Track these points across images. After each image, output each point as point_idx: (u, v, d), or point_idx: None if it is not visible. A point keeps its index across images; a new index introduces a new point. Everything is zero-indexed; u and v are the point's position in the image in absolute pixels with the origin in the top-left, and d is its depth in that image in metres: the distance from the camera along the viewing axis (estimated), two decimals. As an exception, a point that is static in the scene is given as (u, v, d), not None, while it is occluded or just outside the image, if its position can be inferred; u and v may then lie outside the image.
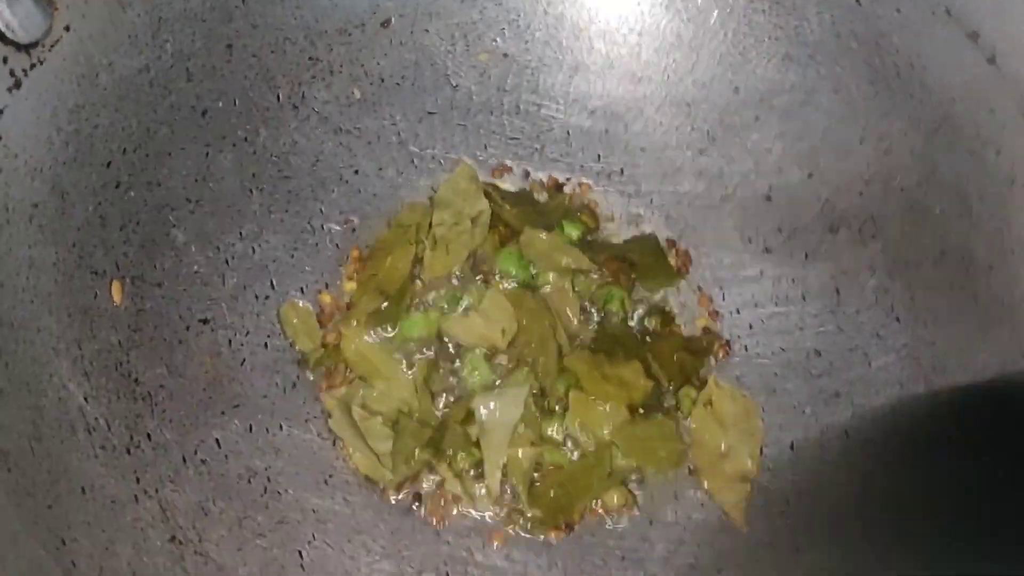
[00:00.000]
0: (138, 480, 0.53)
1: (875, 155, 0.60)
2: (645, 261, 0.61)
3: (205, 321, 0.58)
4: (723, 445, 0.57)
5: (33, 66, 0.52)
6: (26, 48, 0.51)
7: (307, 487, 0.56)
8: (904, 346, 0.57)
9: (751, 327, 0.62)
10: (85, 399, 0.52)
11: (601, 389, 0.57)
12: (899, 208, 0.59)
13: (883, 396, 0.57)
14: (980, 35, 0.55)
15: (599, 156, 0.66)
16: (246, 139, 0.61)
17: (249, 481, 0.55)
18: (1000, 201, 0.55)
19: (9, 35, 0.51)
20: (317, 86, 0.63)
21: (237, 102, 0.61)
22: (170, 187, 0.59)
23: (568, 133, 0.65)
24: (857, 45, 0.60)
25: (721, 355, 0.60)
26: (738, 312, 0.62)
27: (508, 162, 0.66)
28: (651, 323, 0.60)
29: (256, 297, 0.60)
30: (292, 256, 0.61)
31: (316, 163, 0.63)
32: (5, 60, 0.51)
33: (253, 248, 0.61)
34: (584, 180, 0.66)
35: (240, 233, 0.61)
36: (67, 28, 0.53)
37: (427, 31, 0.65)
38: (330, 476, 0.57)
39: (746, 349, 0.61)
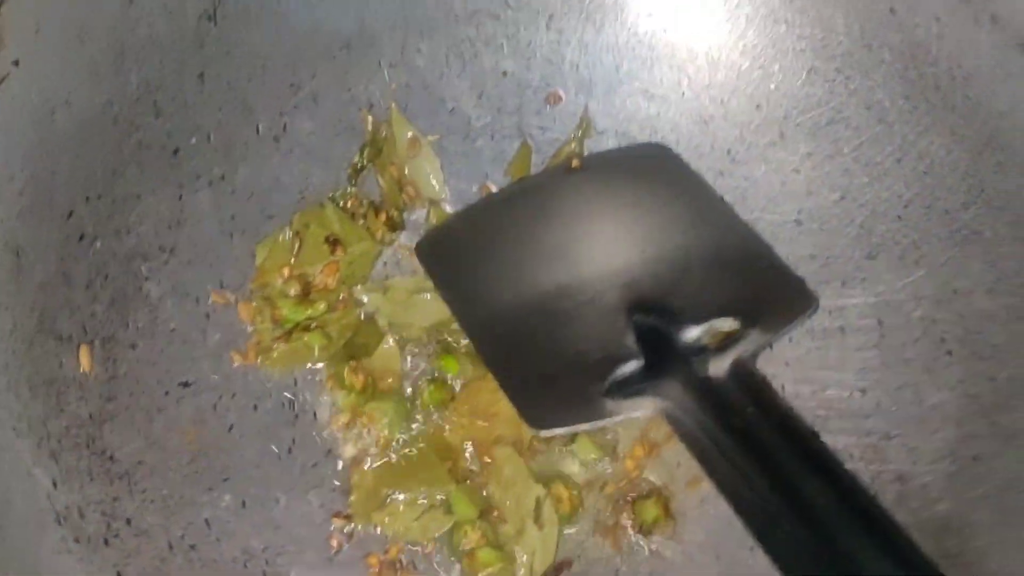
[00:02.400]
0: (119, 574, 0.46)
1: (914, 175, 0.55)
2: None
3: (186, 384, 0.52)
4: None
5: (-20, 108, 0.45)
6: (-29, 87, 0.45)
7: (312, 566, 0.50)
8: (960, 382, 0.53)
9: (787, 364, 0.56)
10: (54, 485, 0.46)
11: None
12: (944, 232, 0.55)
13: (940, 437, 0.52)
14: (1031, 43, 0.50)
15: (611, 181, 0.60)
16: (223, 177, 0.55)
17: (245, 565, 0.49)
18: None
19: (-50, 74, 0.44)
20: (300, 115, 0.57)
21: (212, 137, 0.55)
22: (141, 235, 0.52)
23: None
24: (891, 57, 0.55)
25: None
26: (771, 348, 0.56)
27: (511, 191, 0.60)
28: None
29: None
30: (280, 305, 0.55)
31: (301, 199, 0.57)
32: (-52, 102, 0.44)
33: (236, 298, 0.54)
34: (595, 208, 0.60)
35: (221, 282, 0.54)
36: (16, 63, 0.47)
37: (419, 51, 0.59)
38: (336, 552, 0.51)
39: (783, 389, 0.56)
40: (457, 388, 0.55)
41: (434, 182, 0.59)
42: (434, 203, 0.59)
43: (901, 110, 0.55)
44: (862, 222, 0.57)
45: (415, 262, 0.57)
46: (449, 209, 0.60)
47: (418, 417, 0.54)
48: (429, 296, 0.56)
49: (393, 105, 0.58)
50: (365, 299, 0.56)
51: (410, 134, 0.58)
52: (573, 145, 0.58)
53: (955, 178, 0.54)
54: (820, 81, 0.58)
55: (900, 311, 0.55)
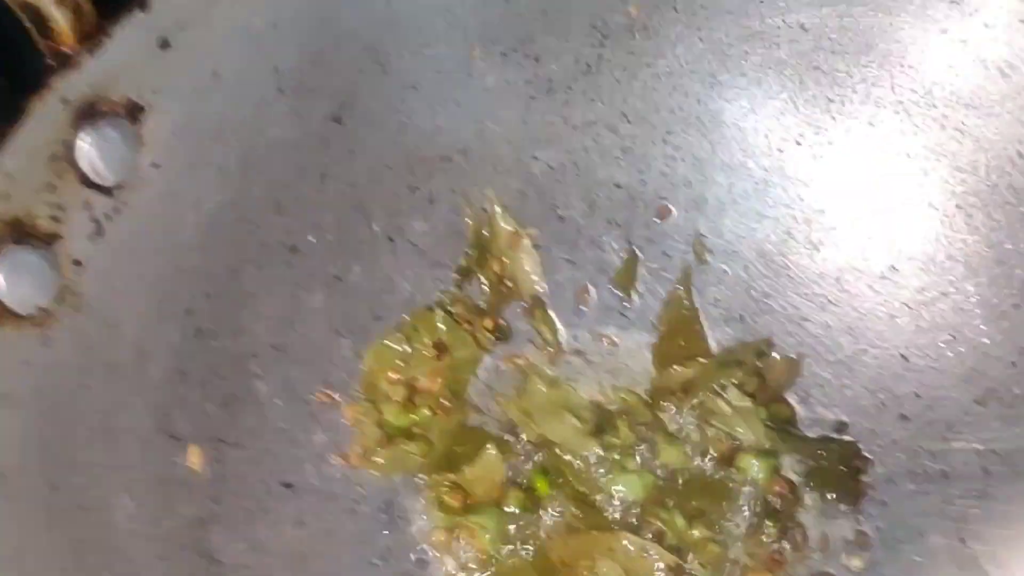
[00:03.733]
0: None
1: (1033, 323, 0.54)
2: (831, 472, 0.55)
3: (289, 485, 0.52)
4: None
5: (117, 210, 0.46)
6: (110, 191, 0.46)
7: None
8: (1068, 548, 0.51)
9: (885, 504, 0.55)
10: (161, 589, 0.46)
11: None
12: (1060, 386, 0.53)
13: (1043, 601, 0.51)
14: None
15: (716, 300, 0.60)
16: (337, 277, 0.56)
17: (337, 675, 0.49)
18: None
19: (95, 179, 0.45)
20: (415, 217, 0.58)
21: (329, 236, 0.55)
22: (254, 333, 0.53)
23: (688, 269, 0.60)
24: (1016, 200, 0.54)
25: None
26: (872, 487, 0.56)
27: (614, 302, 0.60)
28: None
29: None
30: (383, 408, 0.55)
31: (411, 301, 0.57)
32: (88, 206, 0.45)
33: (342, 399, 0.55)
34: (700, 326, 0.60)
35: (328, 381, 0.55)
36: (154, 165, 0.47)
37: (535, 158, 0.59)
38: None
39: (879, 530, 0.55)
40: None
41: (533, 276, 0.59)
42: (536, 300, 0.59)
43: (1023, 255, 0.54)
44: (973, 365, 0.56)
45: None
46: (551, 311, 0.60)
47: (519, 533, 0.53)
48: (571, 416, 0.56)
49: (494, 199, 0.58)
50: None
51: (510, 228, 0.58)
52: (681, 294, 0.58)
53: (1076, 331, 0.53)
54: (938, 214, 0.57)
55: (1007, 462, 0.54)
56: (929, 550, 0.54)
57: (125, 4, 0.45)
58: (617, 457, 0.55)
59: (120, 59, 0.44)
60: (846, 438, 0.56)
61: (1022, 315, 0.55)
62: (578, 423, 0.56)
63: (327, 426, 0.54)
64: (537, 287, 0.59)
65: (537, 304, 0.60)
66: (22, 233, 0.42)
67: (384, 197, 0.57)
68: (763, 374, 0.56)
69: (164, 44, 0.46)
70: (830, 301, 0.59)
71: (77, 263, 0.45)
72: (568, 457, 0.54)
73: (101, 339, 0.46)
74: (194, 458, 0.49)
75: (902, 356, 0.58)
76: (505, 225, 0.59)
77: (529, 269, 0.59)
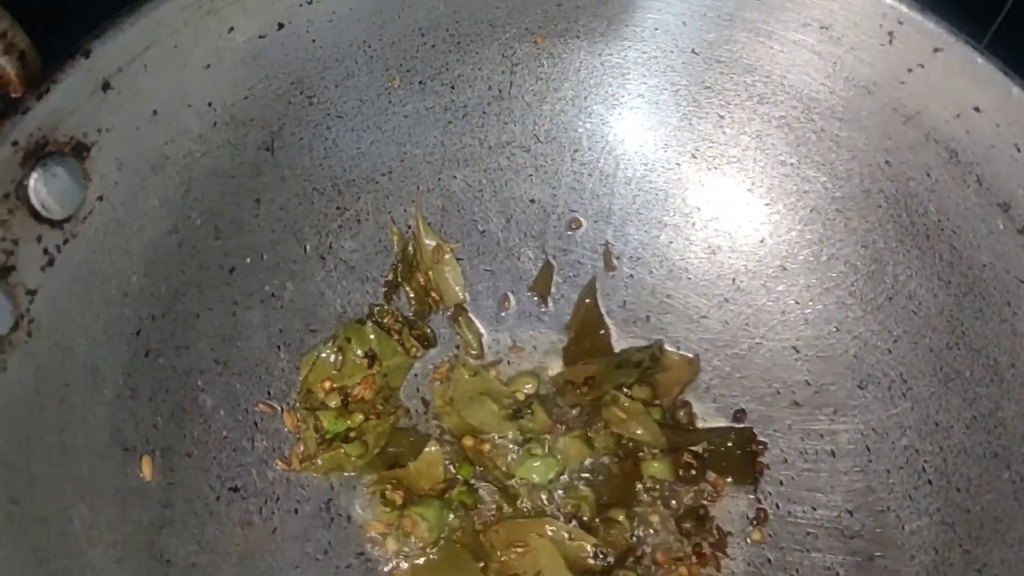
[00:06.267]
0: (175, 674, 0.51)
1: (904, 313, 0.61)
2: (730, 456, 0.60)
3: (235, 489, 0.56)
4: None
5: (66, 241, 0.50)
6: (60, 224, 0.49)
7: (345, 666, 0.55)
8: (938, 511, 0.58)
9: (781, 483, 0.61)
10: (119, 590, 0.50)
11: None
12: (928, 369, 0.60)
13: (918, 563, 0.58)
14: (1011, 206, 0.56)
15: (624, 302, 0.65)
16: (273, 294, 0.60)
17: (286, 663, 0.54)
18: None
19: (44, 214, 0.49)
20: (344, 235, 0.62)
21: (264, 256, 0.60)
22: (198, 350, 0.57)
23: (594, 278, 0.65)
24: (886, 203, 0.61)
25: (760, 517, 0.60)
26: (768, 468, 0.62)
27: (533, 308, 0.65)
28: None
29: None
30: (321, 414, 0.60)
31: (343, 314, 0.62)
32: (40, 239, 0.49)
33: (282, 407, 0.59)
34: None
35: (268, 392, 0.59)
36: (100, 198, 0.51)
37: (455, 177, 0.64)
38: (369, 652, 0.55)
39: (777, 507, 0.61)
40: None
41: (456, 287, 0.64)
42: (460, 308, 0.64)
43: (894, 252, 0.61)
44: (855, 353, 0.62)
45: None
46: (474, 317, 0.65)
47: (455, 521, 0.58)
48: (491, 401, 0.61)
49: (418, 215, 0.63)
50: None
51: (434, 243, 0.63)
52: (588, 301, 0.64)
53: (940, 320, 0.60)
54: (821, 220, 0.63)
55: (886, 439, 0.61)
56: (820, 521, 0.60)
57: (69, 51, 0.49)
58: (531, 442, 0.60)
59: (65, 102, 0.48)
60: (744, 425, 0.62)
61: (895, 307, 0.61)
62: (497, 408, 0.61)
63: (269, 433, 0.58)
64: (461, 297, 0.64)
65: (461, 312, 0.64)
66: (-22, 268, 0.46)
67: (315, 218, 0.61)
68: (655, 381, 0.62)
69: (106, 87, 0.50)
70: (727, 300, 0.65)
71: (31, 292, 0.48)
72: (488, 447, 0.59)
73: (55, 362, 0.50)
74: (146, 468, 0.53)
75: (793, 348, 0.64)
76: (429, 240, 0.63)
77: (452, 280, 0.64)
